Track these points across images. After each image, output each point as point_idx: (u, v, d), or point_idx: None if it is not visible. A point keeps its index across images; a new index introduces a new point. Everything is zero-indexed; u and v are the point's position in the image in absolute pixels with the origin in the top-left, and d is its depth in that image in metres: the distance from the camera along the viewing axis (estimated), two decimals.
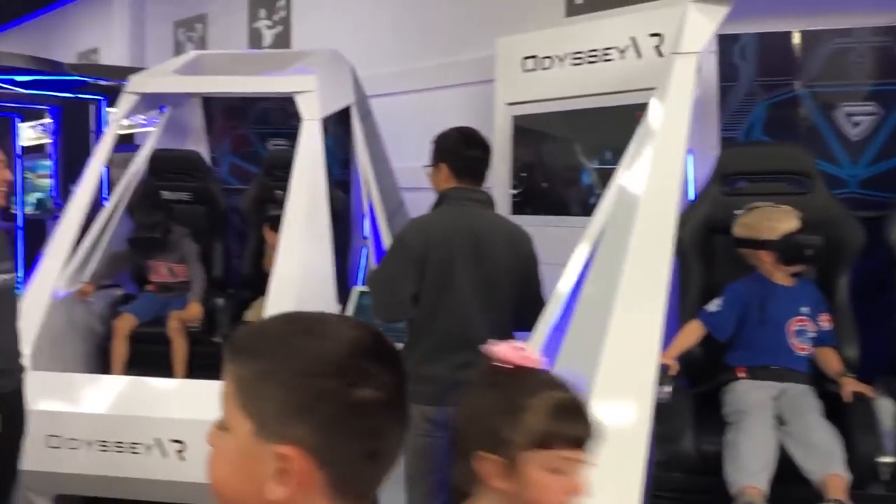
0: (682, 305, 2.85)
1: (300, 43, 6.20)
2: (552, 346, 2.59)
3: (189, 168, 4.64)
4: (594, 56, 4.07)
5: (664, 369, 2.10)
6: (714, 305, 2.81)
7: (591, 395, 1.80)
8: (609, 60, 4.01)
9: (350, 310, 3.79)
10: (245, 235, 4.71)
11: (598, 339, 1.88)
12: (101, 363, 4.08)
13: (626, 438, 1.74)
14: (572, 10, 4.71)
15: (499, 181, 4.36)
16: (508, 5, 5.01)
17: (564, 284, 2.63)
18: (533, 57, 4.29)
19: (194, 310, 4.16)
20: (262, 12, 6.53)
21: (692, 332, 2.82)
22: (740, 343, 2.79)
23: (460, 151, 2.93)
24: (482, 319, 2.79)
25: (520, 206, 4.34)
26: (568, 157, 4.22)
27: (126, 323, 4.07)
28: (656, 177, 2.12)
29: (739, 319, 2.78)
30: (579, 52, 4.12)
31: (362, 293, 3.78)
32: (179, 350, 4.06)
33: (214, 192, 4.64)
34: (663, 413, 1.98)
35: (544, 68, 4.25)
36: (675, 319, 2.80)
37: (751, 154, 3.04)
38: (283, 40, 6.35)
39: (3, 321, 2.77)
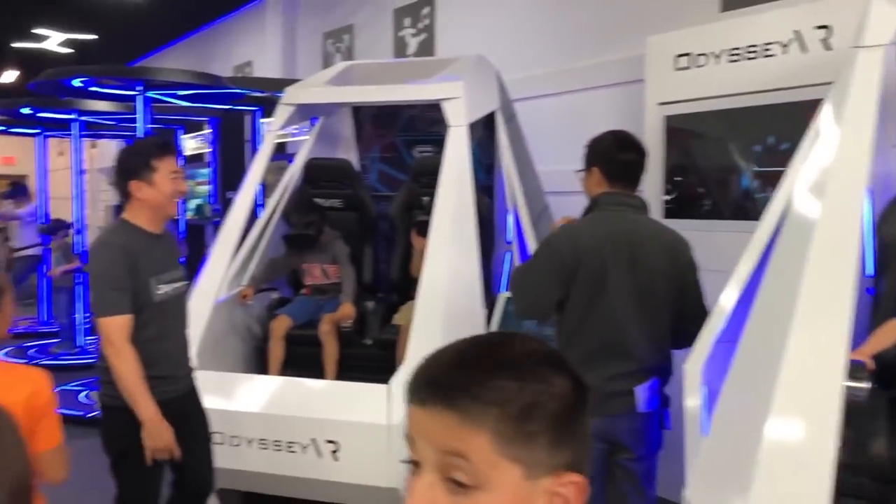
0: (877, 303, 2.59)
1: (444, 50, 6.26)
2: (717, 358, 2.46)
3: (341, 176, 4.78)
4: (753, 52, 3.86)
5: (860, 365, 1.93)
6: None
7: (772, 406, 1.68)
8: (770, 56, 3.79)
9: (496, 316, 3.76)
10: (393, 241, 4.79)
11: (778, 350, 1.76)
12: (258, 363, 4.26)
13: (813, 449, 1.61)
14: (728, 5, 4.49)
15: (650, 185, 4.22)
16: (659, 2, 4.84)
17: (729, 294, 2.49)
18: (686, 55, 4.13)
19: (347, 309, 4.27)
20: (407, 21, 6.64)
21: (892, 331, 2.58)
22: None
23: (613, 155, 2.86)
24: (638, 329, 2.70)
25: (673, 211, 4.18)
26: (725, 159, 4.02)
27: (282, 325, 4.22)
28: (840, 178, 1.95)
29: None
30: (737, 49, 3.92)
31: (509, 299, 3.74)
32: (331, 352, 4.18)
33: (365, 198, 4.75)
34: (854, 413, 1.82)
35: (699, 66, 4.08)
36: (865, 317, 2.56)
37: None
38: (427, 48, 6.43)
39: (174, 329, 2.94)
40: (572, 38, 5.37)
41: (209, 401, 3.21)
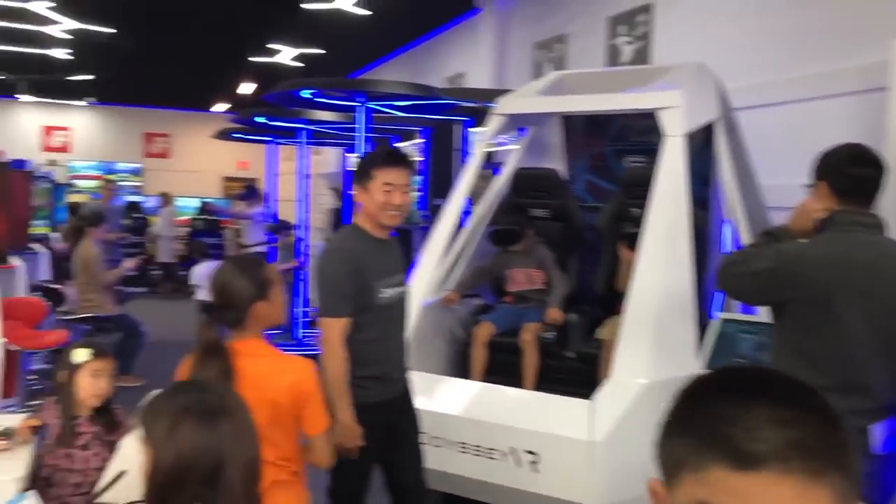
0: None
1: (661, 58, 6.06)
2: None
3: (548, 186, 4.76)
4: None
5: None
6: None
7: None
8: None
9: (709, 337, 3.56)
10: (598, 253, 4.70)
11: None
12: (460, 366, 4.33)
13: None
14: None
15: (892, 203, 3.82)
16: None
17: None
18: None
19: (554, 313, 4.25)
20: (622, 28, 6.50)
21: None
22: None
23: (845, 168, 2.60)
24: (879, 364, 2.43)
25: None
26: None
27: (485, 331, 4.27)
28: None
29: None
30: None
31: (725, 321, 3.53)
32: (531, 361, 4.17)
33: (572, 209, 4.70)
34: None
35: None
36: None
37: None
38: (642, 56, 6.26)
39: (394, 331, 3.05)
40: (803, 42, 4.99)
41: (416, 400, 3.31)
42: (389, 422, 2.97)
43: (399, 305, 3.07)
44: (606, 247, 4.54)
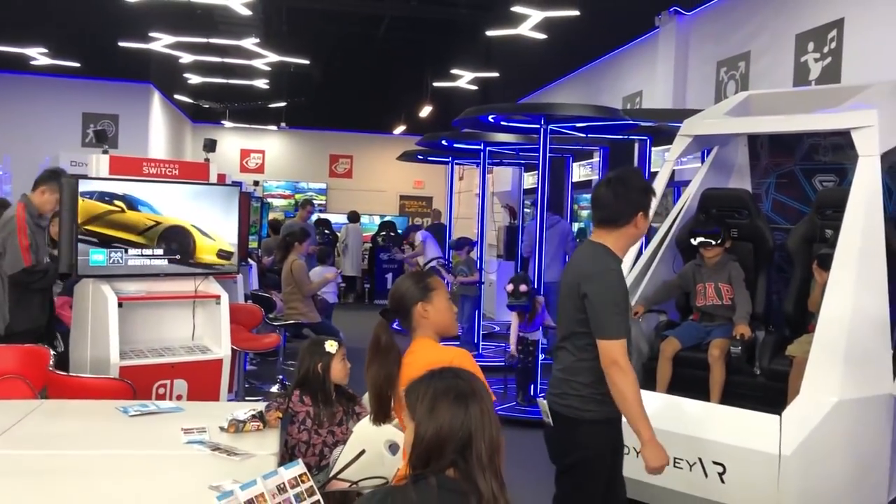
0: None
1: (851, 75, 5.92)
2: None
3: (738, 206, 4.80)
4: None
5: None
6: None
7: None
8: None
9: None
10: (786, 274, 4.70)
11: None
12: (645, 380, 4.48)
13: None
14: None
15: None
16: None
17: None
18: None
19: (742, 328, 4.30)
20: (811, 45, 6.40)
21: None
22: None
23: None
24: None
25: None
26: None
27: (671, 346, 4.40)
28: None
29: None
30: None
31: None
32: (717, 377, 4.25)
33: (762, 229, 4.71)
34: None
35: None
36: None
37: None
38: (832, 73, 6.14)
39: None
40: None
41: None
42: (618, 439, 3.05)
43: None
44: (796, 268, 4.54)
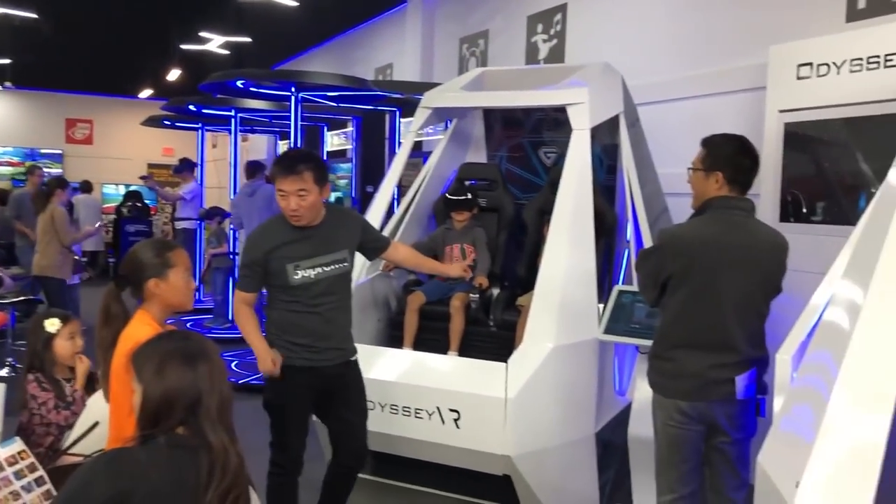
0: None
1: (573, 55, 6.54)
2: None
3: (489, 177, 5.22)
4: (875, 63, 3.95)
5: None
6: None
7: (831, 401, 1.86)
8: (892, 67, 3.88)
9: (609, 305, 4.02)
10: (522, 241, 5.13)
11: (843, 342, 1.96)
12: (394, 334, 4.72)
13: (861, 451, 1.78)
14: (853, 16, 4.57)
15: (768, 189, 4.38)
16: (786, 13, 4.96)
17: (822, 291, 2.70)
18: (808, 64, 4.26)
19: (481, 279, 4.67)
20: (540, 27, 6.96)
21: None
22: None
23: (739, 162, 3.01)
24: (741, 328, 2.92)
25: (786, 215, 4.33)
26: (847, 166, 4.13)
27: (417, 299, 4.67)
28: None
29: None
30: (858, 59, 4.02)
31: (621, 292, 4.01)
32: (457, 325, 4.56)
33: (506, 201, 5.16)
34: None
35: (820, 75, 4.20)
36: None
37: None
38: (557, 53, 6.73)
39: (319, 308, 3.40)
40: (698, 46, 5.54)
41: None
42: (322, 388, 3.37)
43: (322, 284, 3.38)
44: (530, 235, 4.99)
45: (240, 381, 6.36)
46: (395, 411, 3.94)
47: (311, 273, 3.34)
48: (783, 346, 2.74)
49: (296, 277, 3.31)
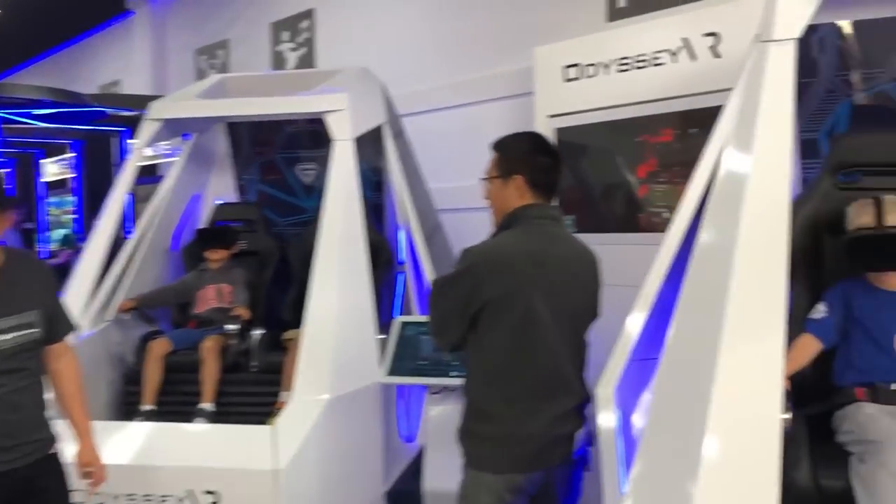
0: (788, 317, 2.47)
1: (326, 65, 6.02)
2: (629, 378, 2.29)
3: (248, 218, 4.66)
4: (643, 61, 3.81)
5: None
6: (818, 312, 2.45)
7: (706, 431, 1.52)
8: (660, 65, 3.75)
9: (391, 339, 3.50)
10: (287, 283, 4.47)
11: (707, 368, 1.60)
12: (129, 390, 3.87)
13: (755, 478, 1.46)
14: (614, 15, 4.46)
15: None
16: (546, 14, 4.78)
17: (638, 312, 2.33)
18: (575, 65, 4.05)
19: (240, 310, 4.06)
20: (285, 35, 6.36)
21: (807, 347, 2.42)
22: (848, 358, 2.44)
23: (538, 160, 2.38)
24: (572, 363, 2.32)
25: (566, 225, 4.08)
26: (616, 171, 3.95)
27: (160, 346, 3.90)
28: (762, 180, 1.81)
29: (842, 328, 2.44)
30: (626, 58, 3.87)
31: (404, 324, 3.50)
32: (211, 370, 3.82)
33: (267, 242, 4.60)
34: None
35: (588, 76, 4.00)
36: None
37: (871, 143, 2.63)
38: (307, 63, 6.17)
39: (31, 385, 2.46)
40: (460, 50, 5.23)
41: (68, 453, 2.78)
42: (8, 498, 2.33)
43: (9, 356, 2.33)
44: (295, 276, 4.35)
45: None
46: (132, 500, 3.08)
47: None
48: (602, 379, 2.31)
49: None
